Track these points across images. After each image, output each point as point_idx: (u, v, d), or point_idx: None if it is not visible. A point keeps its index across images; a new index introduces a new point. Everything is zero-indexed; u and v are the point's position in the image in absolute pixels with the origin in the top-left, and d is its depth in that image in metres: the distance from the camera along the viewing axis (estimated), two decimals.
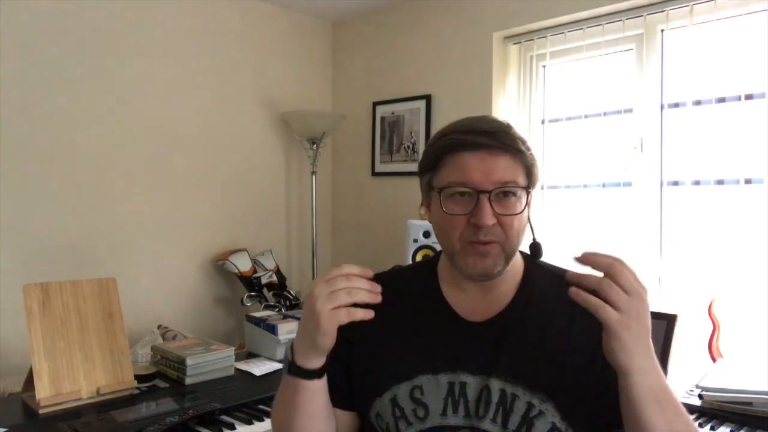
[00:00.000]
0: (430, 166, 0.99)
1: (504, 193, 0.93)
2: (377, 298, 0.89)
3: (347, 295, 0.87)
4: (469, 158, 0.93)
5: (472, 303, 1.02)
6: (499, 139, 0.94)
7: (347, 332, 0.96)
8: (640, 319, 0.80)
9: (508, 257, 0.96)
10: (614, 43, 2.37)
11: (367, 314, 0.87)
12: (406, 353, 1.01)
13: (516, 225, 0.95)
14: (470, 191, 0.92)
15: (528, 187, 0.96)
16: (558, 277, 1.04)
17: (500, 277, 1.00)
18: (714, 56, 2.13)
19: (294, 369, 0.94)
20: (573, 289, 0.80)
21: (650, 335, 0.83)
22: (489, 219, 0.91)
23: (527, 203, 0.96)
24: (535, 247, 1.05)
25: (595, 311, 0.79)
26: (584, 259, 0.82)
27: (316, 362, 0.93)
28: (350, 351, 1.04)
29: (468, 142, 0.94)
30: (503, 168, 0.93)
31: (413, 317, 1.04)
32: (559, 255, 2.33)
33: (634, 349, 0.81)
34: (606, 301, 0.79)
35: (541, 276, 1.04)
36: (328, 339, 0.89)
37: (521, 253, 1.05)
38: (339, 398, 1.04)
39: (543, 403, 0.93)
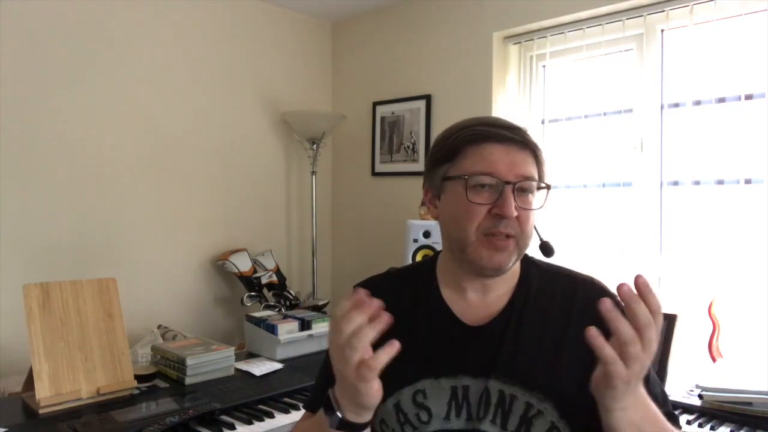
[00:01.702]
0: (446, 158, 0.98)
1: (522, 188, 0.95)
2: (383, 322, 0.79)
3: (353, 351, 0.78)
4: (495, 149, 0.94)
5: (471, 306, 1.02)
6: (521, 135, 0.96)
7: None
8: (641, 374, 0.78)
9: (520, 253, 0.97)
10: (614, 43, 2.37)
11: (389, 351, 0.79)
12: (407, 358, 0.99)
13: (531, 221, 0.96)
14: (495, 183, 0.93)
15: (542, 186, 0.98)
16: (555, 275, 1.05)
17: (500, 279, 1.00)
18: (714, 56, 2.13)
19: (345, 425, 0.86)
20: (593, 332, 0.75)
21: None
22: (513, 210, 0.92)
23: (545, 200, 0.97)
24: (546, 246, 1.05)
25: (605, 362, 0.75)
26: (631, 296, 0.75)
27: (367, 416, 0.86)
28: None
29: (493, 134, 0.95)
30: (525, 163, 0.95)
31: (413, 321, 1.03)
32: (559, 255, 2.33)
33: (623, 397, 0.79)
34: (622, 352, 0.75)
35: (537, 275, 1.04)
36: (371, 399, 0.82)
37: None
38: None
39: (541, 403, 0.93)
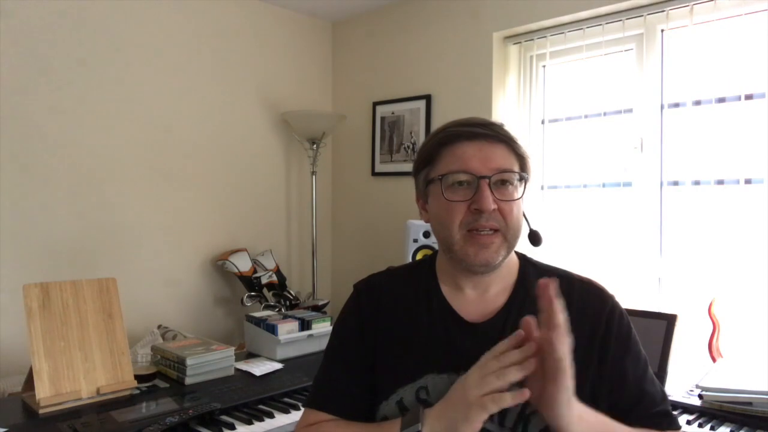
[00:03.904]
0: (426, 162, 1.01)
1: (502, 181, 0.96)
2: (530, 367, 0.83)
3: (497, 379, 0.82)
4: (467, 147, 0.96)
5: (470, 303, 1.03)
6: (494, 129, 0.98)
7: (371, 339, 1.02)
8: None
9: (509, 247, 0.98)
10: (614, 43, 2.37)
11: (519, 397, 0.82)
12: (409, 355, 1.01)
13: (515, 213, 0.97)
14: (470, 179, 0.95)
15: (523, 177, 0.98)
16: (552, 275, 1.05)
17: (497, 277, 1.01)
18: (714, 56, 2.13)
19: None
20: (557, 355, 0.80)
21: None
22: (490, 203, 0.93)
23: (524, 192, 0.99)
24: (534, 235, 1.06)
25: (563, 374, 0.81)
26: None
27: None
28: (374, 359, 1.05)
29: (465, 133, 0.97)
30: (500, 156, 0.97)
31: (414, 319, 1.04)
32: (559, 255, 2.34)
33: (569, 401, 0.83)
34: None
35: (535, 275, 1.04)
36: (471, 429, 0.85)
37: (516, 253, 1.06)
38: (352, 408, 1.04)
39: None
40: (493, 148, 0.96)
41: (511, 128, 1.01)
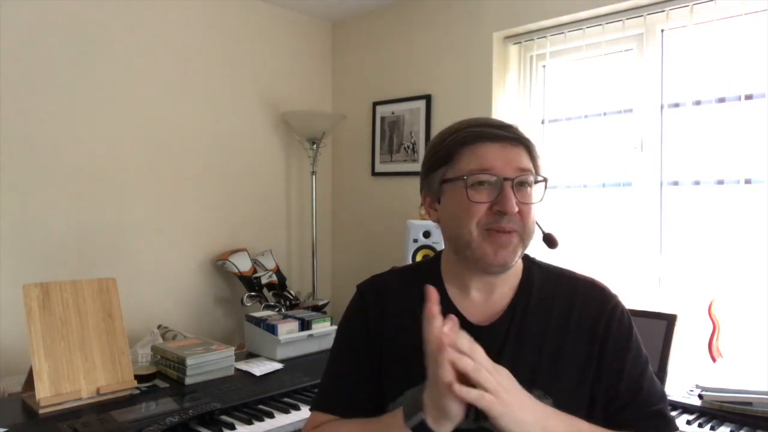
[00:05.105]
0: (442, 161, 1.00)
1: (521, 183, 0.96)
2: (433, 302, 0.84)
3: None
4: (490, 148, 0.96)
5: (475, 304, 1.02)
6: (513, 131, 0.98)
7: (376, 340, 1.01)
8: (510, 389, 0.83)
9: (524, 248, 0.98)
10: (614, 43, 2.38)
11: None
12: (415, 357, 1.00)
13: (532, 215, 0.97)
14: (493, 179, 0.94)
15: (541, 180, 0.99)
16: (556, 275, 1.06)
17: (503, 277, 1.01)
18: (714, 56, 2.13)
19: (424, 429, 0.88)
20: (455, 387, 0.79)
21: (522, 391, 0.85)
22: (514, 206, 0.93)
23: (543, 194, 0.99)
24: (549, 238, 1.06)
25: (477, 403, 0.79)
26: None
27: (446, 428, 0.86)
28: (380, 360, 1.05)
29: (487, 134, 0.97)
30: (520, 158, 0.97)
31: (419, 320, 1.03)
32: (559, 255, 2.33)
33: (521, 416, 0.82)
34: (478, 386, 0.79)
35: (539, 275, 1.05)
36: (456, 406, 0.83)
37: None
38: (358, 409, 1.04)
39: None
40: (514, 149, 0.97)
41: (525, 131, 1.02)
